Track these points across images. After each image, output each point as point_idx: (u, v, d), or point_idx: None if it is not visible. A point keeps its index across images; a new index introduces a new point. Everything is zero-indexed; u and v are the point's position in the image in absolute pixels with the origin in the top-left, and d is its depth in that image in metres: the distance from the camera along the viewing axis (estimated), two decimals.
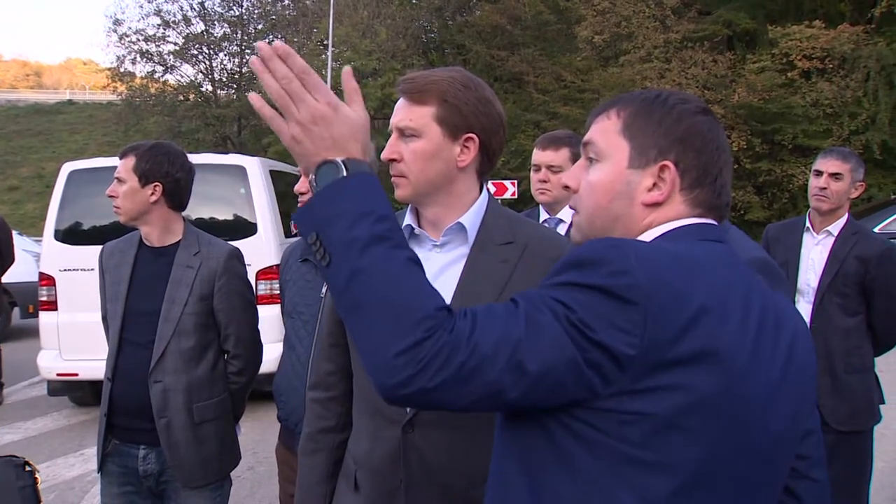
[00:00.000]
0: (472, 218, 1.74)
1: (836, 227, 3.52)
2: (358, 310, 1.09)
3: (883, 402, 3.54)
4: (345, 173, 1.15)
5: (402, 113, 1.70)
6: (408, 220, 1.78)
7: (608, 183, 1.27)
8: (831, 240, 3.51)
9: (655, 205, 1.25)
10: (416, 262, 1.12)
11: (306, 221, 1.15)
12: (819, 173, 3.51)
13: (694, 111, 1.27)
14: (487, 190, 1.81)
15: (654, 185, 1.25)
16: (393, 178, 1.72)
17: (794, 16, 21.78)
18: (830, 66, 20.06)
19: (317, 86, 1.17)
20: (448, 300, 1.67)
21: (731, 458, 1.11)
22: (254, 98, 1.17)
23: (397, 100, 1.76)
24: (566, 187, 1.34)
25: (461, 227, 1.73)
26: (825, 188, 3.48)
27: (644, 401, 1.06)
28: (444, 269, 1.72)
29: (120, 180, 2.77)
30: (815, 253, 3.56)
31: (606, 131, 1.30)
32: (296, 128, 1.17)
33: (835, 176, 3.47)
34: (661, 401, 1.06)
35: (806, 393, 1.24)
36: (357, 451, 1.79)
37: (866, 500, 3.55)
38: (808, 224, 3.62)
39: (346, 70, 1.23)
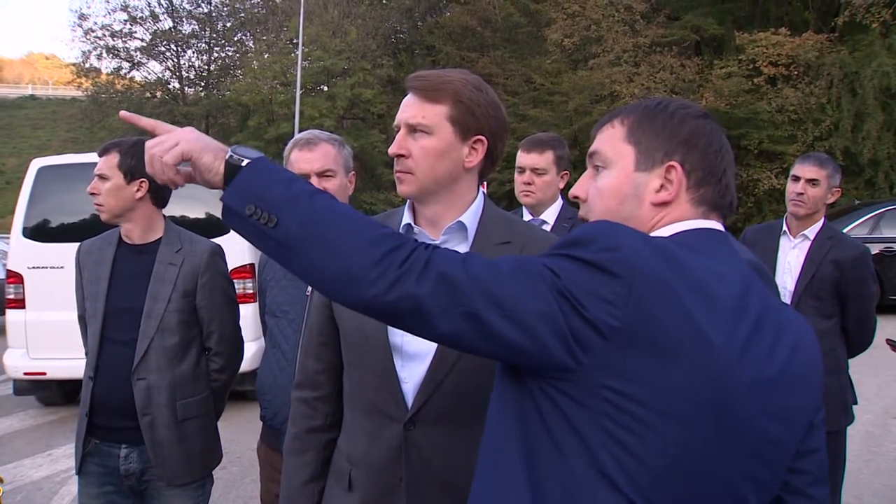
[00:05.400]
0: (471, 217, 1.75)
1: (812, 231, 3.57)
2: (319, 238, 1.14)
3: (856, 403, 3.61)
4: (257, 154, 1.27)
5: (414, 109, 1.69)
6: (406, 218, 1.78)
7: (617, 186, 1.31)
8: (808, 244, 3.56)
9: (663, 204, 1.28)
10: None
11: (239, 196, 1.22)
12: (797, 179, 3.56)
13: (695, 115, 1.32)
14: (483, 191, 1.82)
15: (662, 185, 1.28)
16: (397, 174, 1.71)
17: (761, 23, 22.14)
18: (795, 72, 20.43)
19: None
20: None
21: (712, 447, 1.13)
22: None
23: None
24: (575, 198, 1.37)
25: (461, 226, 1.74)
26: (802, 194, 3.53)
27: (624, 380, 1.08)
28: None
29: (102, 177, 2.71)
30: (791, 256, 3.61)
31: (611, 139, 1.33)
32: (189, 136, 1.33)
33: (811, 182, 3.51)
34: (640, 383, 1.08)
35: (804, 403, 1.24)
36: (352, 450, 1.77)
37: (839, 499, 3.61)
38: (784, 228, 3.67)
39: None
